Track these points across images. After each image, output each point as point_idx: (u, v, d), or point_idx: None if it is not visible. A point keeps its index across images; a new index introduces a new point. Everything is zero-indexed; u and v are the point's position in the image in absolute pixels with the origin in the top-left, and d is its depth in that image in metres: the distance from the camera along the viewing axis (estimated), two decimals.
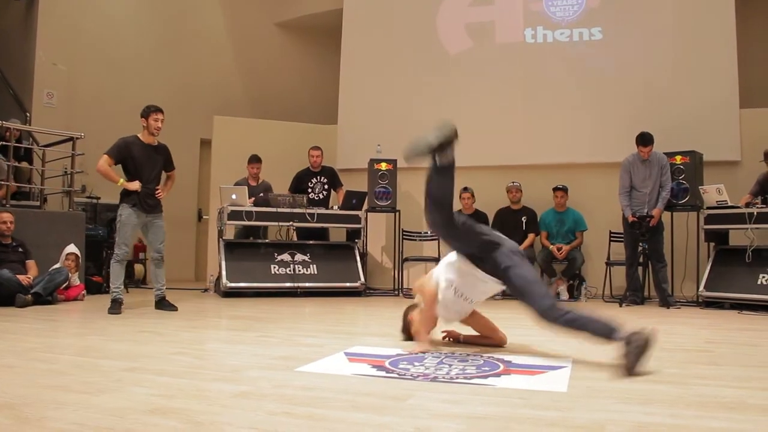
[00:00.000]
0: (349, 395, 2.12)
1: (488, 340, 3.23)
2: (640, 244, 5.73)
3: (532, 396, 2.14)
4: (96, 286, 6.43)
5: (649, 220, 5.73)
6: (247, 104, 9.26)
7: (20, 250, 5.54)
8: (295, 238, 6.89)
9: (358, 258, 6.80)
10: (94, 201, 7.56)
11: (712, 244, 5.88)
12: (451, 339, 3.32)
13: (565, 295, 6.49)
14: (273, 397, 2.09)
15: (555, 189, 6.79)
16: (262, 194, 6.71)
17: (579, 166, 7.09)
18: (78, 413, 1.86)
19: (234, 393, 2.13)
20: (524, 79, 7.44)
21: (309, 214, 6.61)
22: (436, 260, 6.11)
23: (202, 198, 8.93)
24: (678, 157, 6.05)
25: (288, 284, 6.41)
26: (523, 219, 6.84)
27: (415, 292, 3.15)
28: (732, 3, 6.73)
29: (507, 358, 2.85)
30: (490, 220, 6.97)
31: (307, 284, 6.47)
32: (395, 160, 7.12)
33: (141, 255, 7.99)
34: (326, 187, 7.18)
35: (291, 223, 6.57)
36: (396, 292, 7.00)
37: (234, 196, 6.44)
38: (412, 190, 7.69)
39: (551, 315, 2.72)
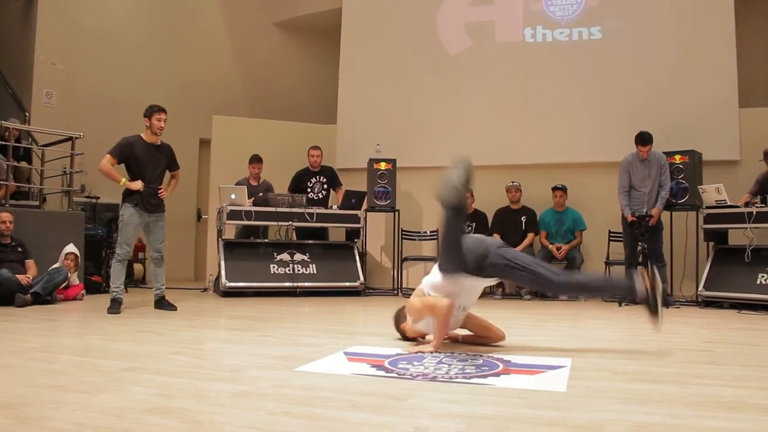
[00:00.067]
0: (348, 395, 2.12)
1: (486, 339, 3.23)
2: (640, 243, 5.73)
3: (531, 396, 2.14)
4: (95, 285, 6.43)
5: (648, 220, 5.73)
6: (247, 104, 9.26)
7: (19, 249, 5.54)
8: (294, 238, 6.89)
9: (357, 257, 6.80)
10: (94, 201, 7.56)
11: (711, 244, 5.88)
12: (450, 340, 3.33)
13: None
14: (272, 396, 2.09)
15: (554, 189, 6.79)
16: (261, 194, 6.71)
17: (578, 165, 7.09)
18: (77, 413, 1.85)
19: (233, 393, 2.13)
20: (524, 79, 7.44)
21: (308, 213, 6.61)
22: (436, 260, 6.11)
23: (202, 198, 8.94)
24: (677, 157, 6.05)
25: (287, 284, 6.41)
26: (522, 219, 6.84)
27: (414, 312, 3.14)
28: (731, 3, 6.73)
29: (506, 357, 2.85)
30: (490, 220, 6.98)
31: (306, 284, 6.47)
32: (394, 160, 7.13)
33: (140, 255, 7.98)
34: (325, 186, 7.18)
35: (290, 222, 6.57)
36: (395, 292, 7.00)
37: (233, 196, 6.44)
38: (412, 189, 7.70)
39: (564, 289, 2.91)
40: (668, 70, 6.91)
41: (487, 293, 6.52)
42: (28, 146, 7.11)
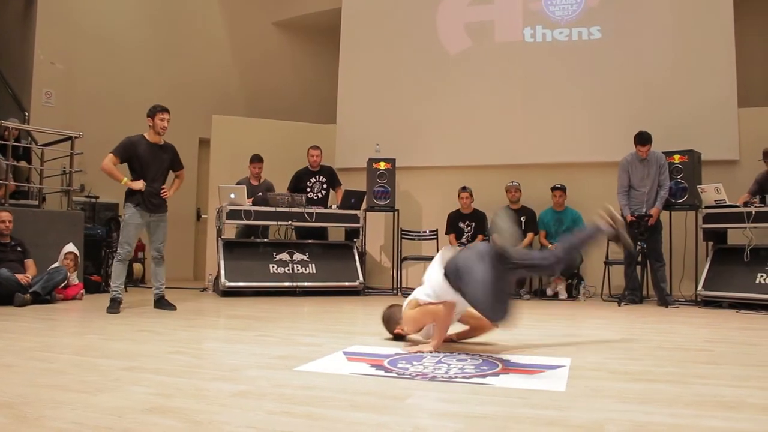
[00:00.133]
0: (347, 394, 2.12)
1: (480, 330, 3.23)
2: (639, 243, 5.74)
3: (530, 395, 2.14)
4: (95, 285, 6.42)
5: (647, 220, 5.73)
6: (246, 104, 9.25)
7: (19, 249, 5.53)
8: (293, 238, 6.89)
9: (356, 257, 6.80)
10: (93, 200, 7.55)
11: (710, 243, 5.89)
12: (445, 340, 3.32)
13: (563, 295, 6.49)
14: (272, 396, 2.09)
15: (553, 188, 6.79)
16: (260, 193, 6.71)
17: (578, 165, 7.10)
18: (76, 412, 1.85)
19: (233, 392, 2.13)
20: (523, 79, 7.44)
21: (308, 213, 6.61)
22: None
23: (201, 197, 8.94)
24: (676, 156, 6.06)
25: (287, 283, 6.41)
26: (522, 218, 6.83)
27: (413, 322, 3.14)
28: (731, 2, 6.74)
29: (506, 357, 2.85)
30: (489, 220, 6.98)
31: (305, 283, 6.47)
32: (394, 160, 7.13)
33: (140, 254, 7.98)
34: (325, 186, 7.18)
35: (290, 222, 6.57)
36: (395, 291, 7.00)
37: (233, 196, 6.44)
38: (411, 189, 7.71)
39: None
40: (667, 70, 6.92)
41: None
42: (28, 146, 7.10)
